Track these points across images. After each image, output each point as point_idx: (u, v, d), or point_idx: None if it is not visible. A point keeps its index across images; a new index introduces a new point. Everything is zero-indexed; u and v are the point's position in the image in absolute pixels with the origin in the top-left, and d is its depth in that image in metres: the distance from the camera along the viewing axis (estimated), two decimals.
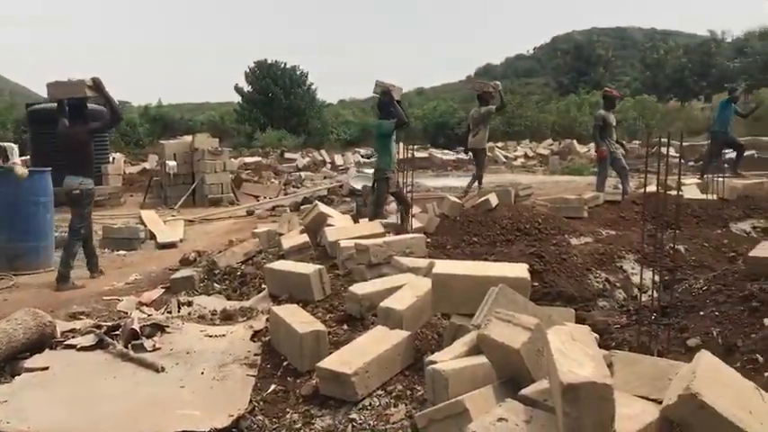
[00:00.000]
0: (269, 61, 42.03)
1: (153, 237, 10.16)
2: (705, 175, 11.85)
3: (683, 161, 17.12)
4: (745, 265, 4.68)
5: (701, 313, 4.35)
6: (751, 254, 4.66)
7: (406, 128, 8.70)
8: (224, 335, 4.66)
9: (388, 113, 8.10)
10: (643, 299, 4.69)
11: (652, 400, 2.38)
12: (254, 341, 4.52)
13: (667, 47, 55.43)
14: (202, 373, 4.05)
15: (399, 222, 7.72)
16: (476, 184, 11.94)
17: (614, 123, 11.38)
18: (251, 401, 3.71)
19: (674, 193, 4.75)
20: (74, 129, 7.53)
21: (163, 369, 4.09)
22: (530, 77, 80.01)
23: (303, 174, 19.56)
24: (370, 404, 3.43)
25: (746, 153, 16.14)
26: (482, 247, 7.49)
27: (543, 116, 36.42)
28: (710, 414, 2.07)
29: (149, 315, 5.41)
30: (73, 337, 4.70)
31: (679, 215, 8.45)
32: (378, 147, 8.33)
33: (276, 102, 39.96)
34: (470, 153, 12.54)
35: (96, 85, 7.37)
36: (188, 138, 16.22)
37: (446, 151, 27.98)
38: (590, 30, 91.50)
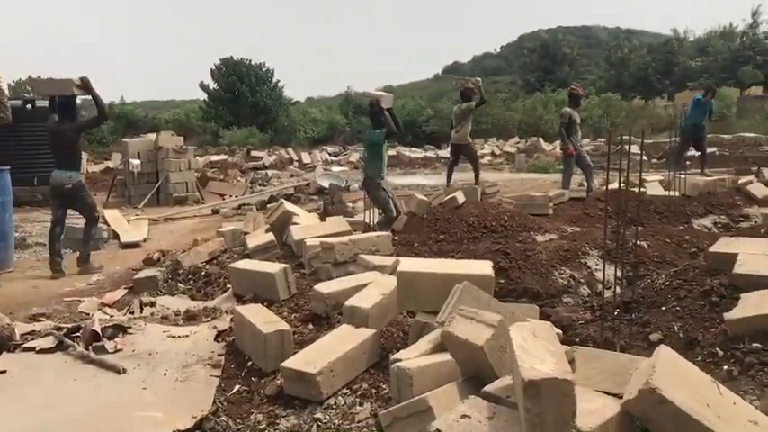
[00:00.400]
0: (235, 58, 41.69)
1: (116, 236, 9.98)
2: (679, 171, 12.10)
3: (646, 158, 17.44)
4: (705, 261, 4.76)
5: (663, 308, 4.41)
6: (711, 249, 4.73)
7: (397, 137, 8.75)
8: (187, 335, 4.60)
9: (378, 123, 8.12)
10: (606, 294, 4.74)
11: (613, 394, 2.40)
12: (218, 341, 4.47)
13: (631, 46, 56.30)
14: (165, 374, 3.99)
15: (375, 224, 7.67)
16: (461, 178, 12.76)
17: (579, 121, 11.51)
18: (214, 402, 3.67)
19: (636, 190, 4.82)
20: (62, 125, 7.70)
21: (124, 371, 4.02)
22: (497, 76, 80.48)
23: (270, 172, 19.41)
24: (336, 403, 3.41)
25: (708, 151, 16.52)
26: (449, 244, 7.52)
27: (510, 114, 36.68)
28: (670, 408, 2.09)
29: (111, 316, 5.32)
30: (32, 340, 4.60)
31: (642, 212, 8.60)
32: (368, 155, 8.21)
33: (242, 99, 39.66)
34: (451, 148, 12.68)
35: (84, 84, 7.61)
36: (152, 136, 15.98)
37: (414, 149, 28.04)
38: (556, 29, 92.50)
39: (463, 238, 7.81)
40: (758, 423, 2.17)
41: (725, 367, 3.51)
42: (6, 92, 7.80)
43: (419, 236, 7.74)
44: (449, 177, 12.38)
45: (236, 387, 3.84)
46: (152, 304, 5.67)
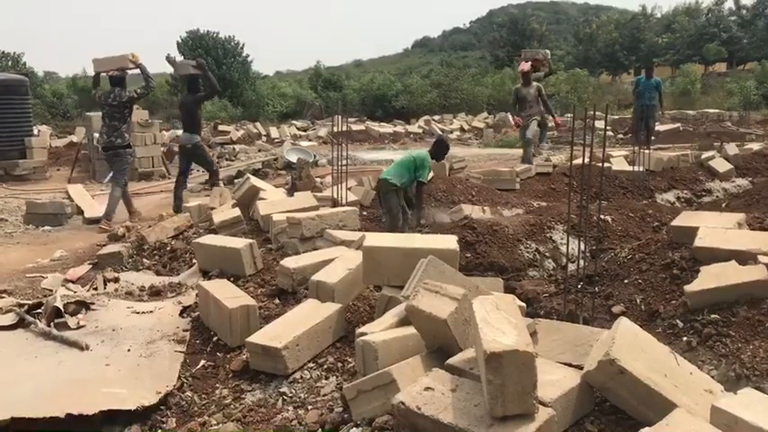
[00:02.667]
0: (201, 31, 40.95)
1: (80, 212, 9.82)
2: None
3: (611, 134, 17.61)
4: (667, 235, 4.83)
5: (626, 281, 4.48)
6: (673, 223, 4.81)
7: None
8: (152, 311, 4.56)
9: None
10: (571, 268, 4.79)
11: (574, 366, 2.44)
12: (183, 317, 4.44)
13: (599, 22, 56.55)
14: (129, 350, 3.96)
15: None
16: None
17: (529, 97, 11.62)
18: (179, 378, 3.65)
19: (601, 165, 4.86)
20: (186, 98, 9.55)
21: (87, 347, 3.97)
22: (466, 51, 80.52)
23: (237, 147, 19.17)
24: (301, 377, 3.42)
25: (670, 127, 16.95)
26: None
27: (479, 89, 36.69)
28: (628, 378, 2.14)
29: (74, 292, 5.23)
30: None
31: (606, 187, 8.72)
32: (401, 169, 7.56)
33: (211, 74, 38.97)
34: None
35: (134, 61, 8.99)
36: None
37: (383, 124, 27.92)
38: (525, 3, 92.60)
39: (431, 213, 7.84)
40: (713, 392, 2.23)
41: (684, 338, 3.59)
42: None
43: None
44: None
45: (202, 362, 3.82)
46: (116, 280, 5.59)
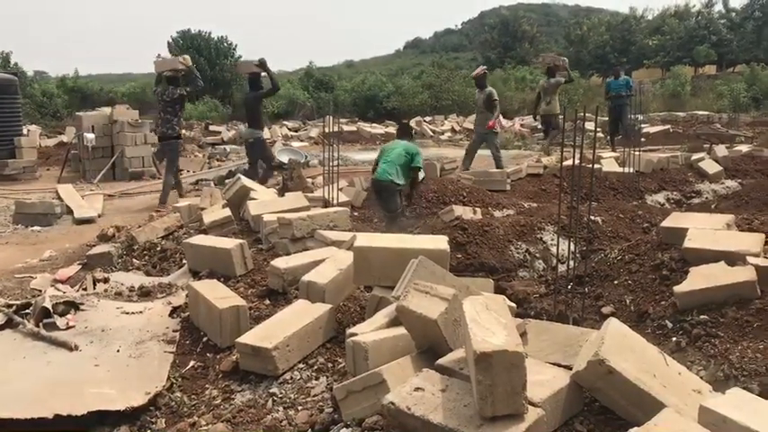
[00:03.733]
0: (193, 31, 40.84)
1: (70, 212, 9.76)
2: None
3: (601, 135, 17.70)
4: (657, 236, 4.86)
5: (616, 282, 4.50)
6: (663, 224, 4.83)
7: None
8: (141, 311, 4.54)
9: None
10: (561, 269, 4.81)
11: (564, 366, 2.45)
12: (172, 317, 4.42)
13: (590, 23, 56.68)
14: (118, 350, 3.94)
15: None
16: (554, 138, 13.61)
17: (479, 102, 11.75)
18: (169, 378, 3.64)
19: (591, 166, 4.87)
20: (249, 95, 10.47)
21: (76, 347, 3.96)
22: (458, 52, 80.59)
23: (228, 147, 19.12)
24: (292, 378, 3.41)
25: (660, 128, 17.11)
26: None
27: (470, 91, 36.66)
28: (617, 378, 2.14)
29: (64, 293, 5.21)
30: None
31: (597, 188, 8.74)
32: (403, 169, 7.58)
33: (201, 73, 38.87)
34: (541, 119, 14.40)
35: (261, 65, 10.19)
36: (107, 109, 15.59)
37: (375, 125, 27.91)
38: (516, 5, 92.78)
39: (422, 214, 7.85)
40: (701, 392, 2.24)
41: (674, 339, 3.60)
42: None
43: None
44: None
45: (191, 363, 3.81)
46: (106, 280, 5.57)
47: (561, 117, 12.22)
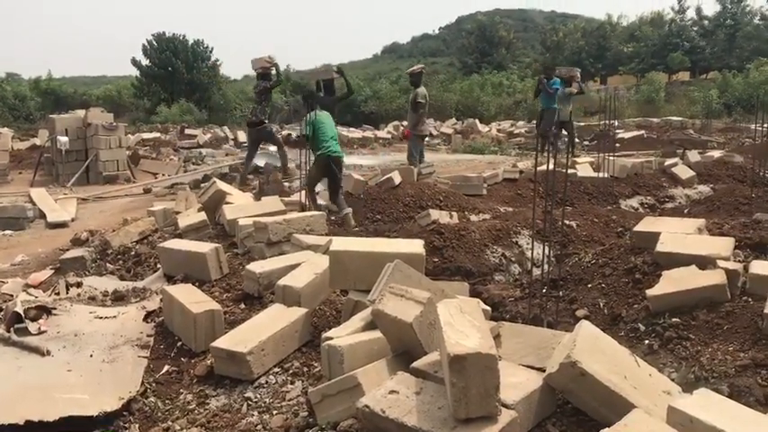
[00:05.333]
0: (168, 34, 40.54)
1: (43, 216, 9.64)
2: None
3: (577, 140, 17.87)
4: (630, 240, 4.91)
5: (589, 285, 4.54)
6: (636, 228, 4.89)
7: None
8: (115, 316, 4.50)
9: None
10: (536, 272, 4.84)
11: (537, 368, 2.47)
12: (147, 322, 4.39)
13: (566, 30, 57.25)
14: (91, 355, 3.90)
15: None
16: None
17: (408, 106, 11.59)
18: (143, 383, 3.61)
19: (567, 170, 4.93)
20: (324, 99, 10.57)
21: (48, 353, 3.90)
22: (435, 57, 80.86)
23: (204, 151, 18.99)
24: (267, 382, 3.41)
25: (635, 134, 17.21)
26: (385, 224, 7.56)
27: (447, 95, 36.88)
28: (589, 380, 2.17)
29: (35, 297, 5.14)
30: None
31: (572, 192, 8.82)
32: None
33: (177, 76, 38.62)
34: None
35: (339, 71, 11.46)
36: (81, 112, 15.41)
37: (352, 129, 27.89)
38: (494, 11, 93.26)
39: (399, 218, 7.86)
40: (671, 393, 2.27)
41: (646, 341, 3.65)
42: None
43: (355, 216, 7.74)
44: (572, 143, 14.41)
45: (166, 368, 3.79)
46: (79, 285, 5.50)
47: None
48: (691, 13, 53.16)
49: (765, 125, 8.80)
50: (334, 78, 11.30)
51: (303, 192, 7.68)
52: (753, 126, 13.23)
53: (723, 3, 50.16)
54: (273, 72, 11.64)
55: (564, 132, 14.20)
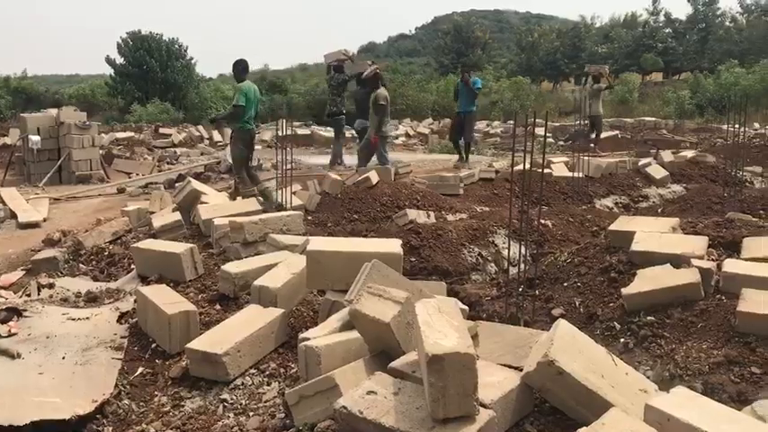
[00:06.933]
0: (143, 32, 40.12)
1: (14, 216, 9.47)
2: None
3: (552, 141, 17.96)
4: (605, 239, 4.95)
5: (565, 284, 4.57)
6: (611, 228, 4.93)
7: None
8: (88, 317, 4.42)
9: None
10: (512, 271, 4.86)
11: (514, 367, 2.47)
12: (120, 323, 4.32)
13: (541, 30, 57.68)
14: (64, 357, 3.83)
15: None
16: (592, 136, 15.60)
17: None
18: (116, 385, 3.56)
19: (542, 170, 4.95)
20: (358, 92, 12.54)
21: (19, 355, 3.83)
22: (412, 57, 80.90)
23: (179, 150, 18.79)
24: (243, 383, 3.37)
25: (609, 134, 17.62)
26: (363, 223, 7.54)
27: (424, 96, 36.93)
28: (566, 379, 2.17)
29: (6, 299, 5.05)
30: None
31: (547, 192, 8.88)
32: None
33: (152, 75, 38.24)
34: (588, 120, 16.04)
35: (345, 53, 12.89)
36: (53, 111, 15.17)
37: (329, 128, 27.79)
38: (469, 12, 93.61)
39: (377, 218, 7.85)
40: (647, 391, 2.28)
41: (622, 340, 3.68)
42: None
43: (333, 215, 7.72)
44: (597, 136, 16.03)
45: (140, 370, 3.74)
46: (51, 286, 5.42)
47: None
48: (664, 16, 53.88)
49: (737, 125, 8.93)
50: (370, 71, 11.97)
51: (280, 191, 7.63)
52: (724, 126, 13.43)
53: (695, 5, 50.89)
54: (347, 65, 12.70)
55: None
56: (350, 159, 13.13)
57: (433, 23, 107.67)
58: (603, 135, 19.37)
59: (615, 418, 1.96)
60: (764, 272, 3.65)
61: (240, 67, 8.82)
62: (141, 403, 3.45)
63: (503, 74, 45.24)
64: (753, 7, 49.35)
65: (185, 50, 40.96)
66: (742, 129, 9.11)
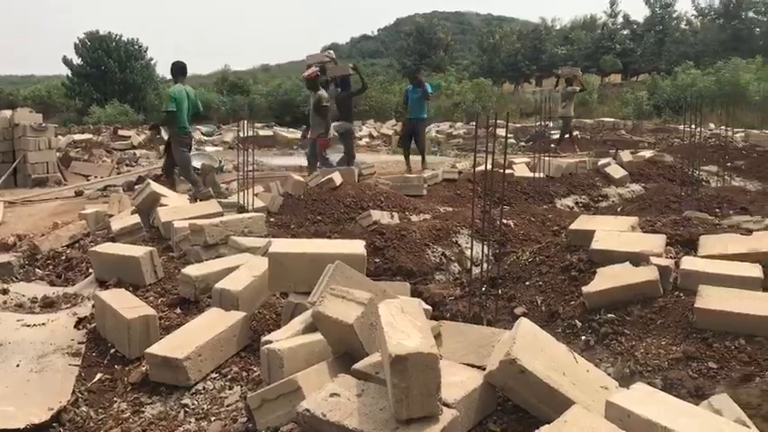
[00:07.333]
0: (101, 32, 39.45)
1: None
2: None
3: (514, 141, 18.13)
4: (566, 238, 5.01)
5: (527, 283, 4.61)
6: (571, 227, 4.99)
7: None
8: (44, 323, 4.31)
9: None
10: (475, 271, 4.88)
11: (477, 367, 2.47)
12: (78, 329, 4.22)
13: (502, 32, 58.20)
14: (18, 365, 3.73)
15: None
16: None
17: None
18: (74, 392, 3.48)
19: (504, 170, 4.98)
20: (341, 94, 11.73)
21: None
22: (374, 58, 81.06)
23: (138, 152, 18.51)
24: (204, 388, 3.33)
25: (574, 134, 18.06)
26: (326, 225, 7.51)
27: (387, 97, 37.01)
28: (529, 377, 2.18)
29: None
30: None
31: (509, 192, 8.96)
32: None
33: (110, 76, 37.64)
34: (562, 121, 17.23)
35: (355, 68, 12.32)
36: (7, 112, 14.80)
37: (292, 129, 27.67)
38: (431, 13, 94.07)
39: (340, 219, 7.82)
40: (608, 388, 2.31)
41: (583, 337, 3.72)
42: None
43: (296, 217, 7.67)
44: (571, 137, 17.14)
45: (98, 376, 3.66)
46: (5, 291, 5.27)
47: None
48: (622, 18, 54.82)
49: (693, 126, 9.12)
50: (351, 75, 11.93)
51: (241, 193, 7.55)
52: (681, 127, 13.70)
53: (652, 8, 51.90)
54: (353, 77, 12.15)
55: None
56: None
57: (395, 25, 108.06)
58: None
59: (577, 415, 1.97)
60: (721, 269, 3.73)
61: (174, 69, 8.80)
62: (100, 410, 3.37)
63: (465, 75, 45.54)
64: (707, 10, 50.52)
65: (145, 51, 40.51)
66: (698, 129, 9.32)
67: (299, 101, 35.92)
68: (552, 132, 16.19)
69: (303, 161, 12.80)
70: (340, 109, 11.75)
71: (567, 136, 17.14)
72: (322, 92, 10.76)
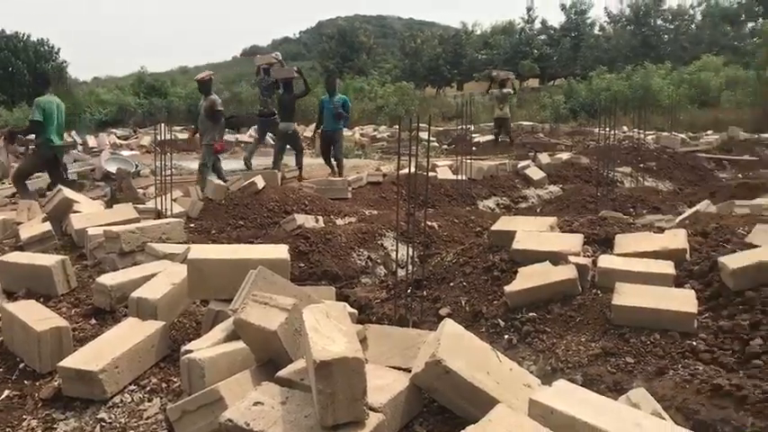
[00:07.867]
0: (7, 32, 37.72)
1: None
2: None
3: (436, 144, 18.35)
4: (488, 239, 5.08)
5: (452, 284, 4.65)
6: (493, 228, 5.06)
7: None
8: None
9: None
10: (401, 273, 4.89)
11: (404, 369, 2.47)
12: None
13: (424, 37, 58.90)
14: None
15: None
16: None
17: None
18: None
19: (427, 173, 5.01)
20: (284, 96, 12.49)
21: None
22: (297, 61, 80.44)
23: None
24: (122, 401, 3.19)
25: (489, 138, 18.58)
26: (249, 230, 7.39)
27: (311, 99, 36.76)
28: (453, 378, 2.19)
29: None
30: None
31: (433, 194, 9.05)
32: None
33: (18, 77, 36.01)
34: (495, 122, 18.29)
35: (299, 71, 13.16)
36: None
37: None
38: (353, 16, 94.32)
39: (264, 224, 7.71)
40: (531, 386, 2.34)
41: (506, 336, 3.78)
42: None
43: (216, 222, 7.52)
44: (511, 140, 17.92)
45: (6, 392, 3.45)
46: None
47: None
48: (539, 24, 56.41)
49: (607, 128, 9.44)
50: (294, 78, 12.68)
51: (159, 198, 7.34)
52: (596, 129, 14.17)
53: (568, 14, 53.64)
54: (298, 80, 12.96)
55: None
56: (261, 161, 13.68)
57: (317, 27, 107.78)
58: (483, 139, 20.07)
59: (501, 414, 1.99)
60: (636, 266, 3.86)
61: (39, 81, 8.71)
62: (8, 429, 3.18)
63: (387, 79, 45.79)
64: (618, 17, 52.60)
65: (57, 52, 38.94)
66: (612, 132, 9.66)
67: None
68: (473, 135, 16.55)
69: (225, 165, 12.44)
70: (284, 111, 12.37)
71: (508, 139, 18.02)
72: (214, 96, 10.57)
